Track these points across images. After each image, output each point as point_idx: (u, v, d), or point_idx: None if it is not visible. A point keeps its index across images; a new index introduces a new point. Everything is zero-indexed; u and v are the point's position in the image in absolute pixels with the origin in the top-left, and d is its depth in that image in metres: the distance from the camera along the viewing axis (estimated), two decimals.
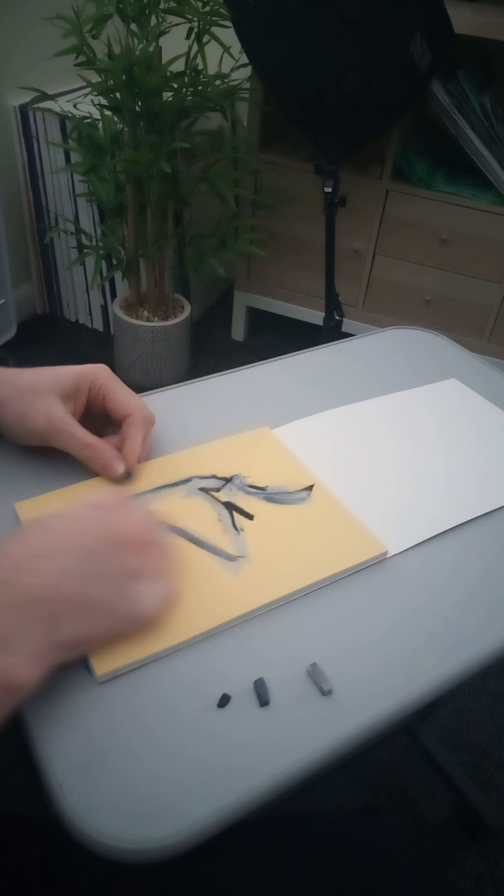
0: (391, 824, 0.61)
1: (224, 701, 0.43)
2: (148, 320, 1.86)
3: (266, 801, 0.39)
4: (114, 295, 2.12)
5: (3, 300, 1.94)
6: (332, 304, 1.80)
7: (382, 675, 0.46)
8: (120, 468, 0.58)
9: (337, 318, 1.82)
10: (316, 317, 2.01)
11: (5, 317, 1.98)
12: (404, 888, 0.56)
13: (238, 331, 2.26)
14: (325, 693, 0.44)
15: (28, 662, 0.40)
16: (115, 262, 1.82)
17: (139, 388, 0.64)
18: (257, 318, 2.27)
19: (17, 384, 0.58)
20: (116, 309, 1.88)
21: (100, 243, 1.82)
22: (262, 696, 0.43)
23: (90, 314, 2.22)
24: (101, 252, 1.76)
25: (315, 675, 0.44)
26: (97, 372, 0.60)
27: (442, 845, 1.13)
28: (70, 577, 0.43)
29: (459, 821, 1.16)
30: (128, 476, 0.59)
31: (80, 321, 2.25)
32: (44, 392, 0.57)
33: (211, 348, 2.23)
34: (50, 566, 0.43)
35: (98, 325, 2.23)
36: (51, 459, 0.59)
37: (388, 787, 1.20)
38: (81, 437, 0.57)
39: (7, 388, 0.58)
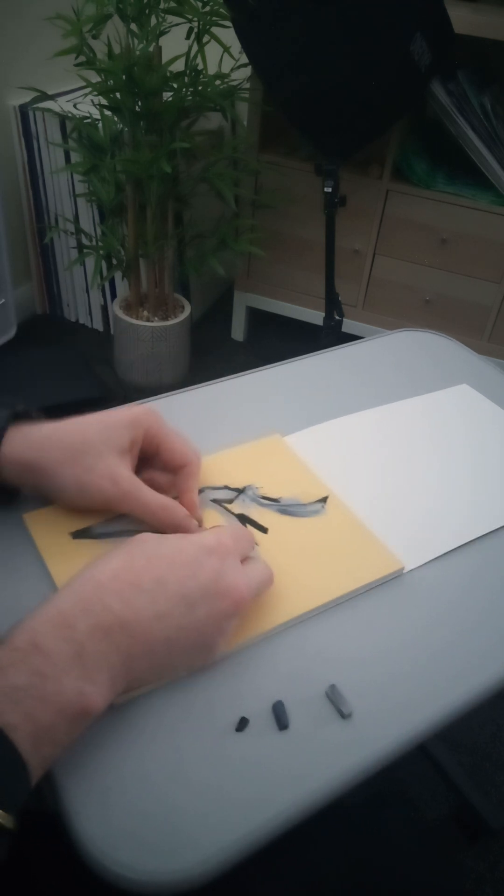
0: (395, 816, 0.61)
1: (242, 725, 0.42)
2: (148, 320, 1.86)
3: (286, 829, 0.38)
4: (114, 295, 2.12)
5: (3, 300, 1.94)
6: (332, 304, 1.80)
7: (403, 695, 0.45)
8: (195, 528, 0.53)
9: (337, 318, 1.82)
10: (316, 317, 2.01)
11: (5, 317, 1.98)
12: (411, 875, 0.56)
13: (238, 331, 2.26)
14: (345, 716, 0.43)
15: (103, 692, 0.39)
16: (115, 262, 1.81)
17: (139, 389, 0.63)
18: (257, 318, 2.26)
19: (67, 445, 0.52)
20: (116, 309, 1.88)
21: (100, 243, 1.81)
22: (280, 719, 0.42)
23: (90, 314, 2.21)
24: (101, 252, 1.76)
25: (334, 698, 0.44)
26: (149, 420, 0.55)
27: (442, 845, 1.14)
28: (165, 621, 0.42)
29: (459, 821, 1.17)
30: None
31: (80, 321, 2.25)
32: (100, 453, 0.52)
33: (211, 348, 2.23)
34: (149, 604, 0.42)
35: (98, 325, 2.22)
36: None
37: (388, 787, 1.20)
38: (151, 502, 0.53)
39: (57, 453, 0.52)
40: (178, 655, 0.43)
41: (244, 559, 0.48)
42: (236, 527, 0.54)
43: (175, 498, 0.55)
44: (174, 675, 0.45)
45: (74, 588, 0.42)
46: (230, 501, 0.59)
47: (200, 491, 0.59)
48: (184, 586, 0.43)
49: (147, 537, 0.46)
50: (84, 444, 0.52)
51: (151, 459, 0.58)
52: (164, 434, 0.56)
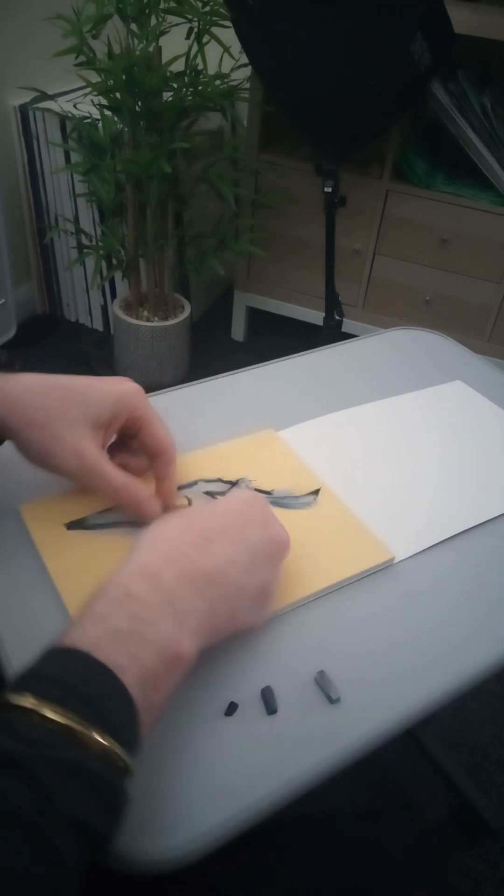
0: (393, 827, 0.61)
1: (231, 709, 0.43)
2: (148, 320, 1.86)
3: (274, 811, 0.38)
4: (114, 295, 2.12)
5: (3, 300, 1.94)
6: (332, 304, 1.80)
7: (390, 682, 0.46)
8: (157, 509, 0.54)
9: (337, 318, 1.82)
10: (316, 317, 2.01)
11: (5, 317, 1.98)
12: (406, 891, 0.56)
13: (238, 331, 2.26)
14: (333, 701, 0.43)
15: (193, 639, 0.41)
16: (115, 262, 1.82)
17: None
18: (257, 318, 2.26)
19: (40, 407, 0.51)
20: (116, 309, 1.88)
21: (100, 243, 1.81)
22: (269, 704, 0.43)
23: (90, 314, 2.22)
24: (101, 252, 1.76)
25: (323, 683, 0.44)
26: (136, 400, 0.54)
27: (442, 845, 1.14)
28: (236, 567, 0.44)
29: (459, 821, 1.16)
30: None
31: (80, 321, 2.25)
32: (74, 423, 0.51)
33: (211, 348, 2.23)
34: (222, 550, 0.44)
35: (98, 325, 2.22)
36: None
37: (388, 787, 1.20)
38: (114, 479, 0.53)
39: (28, 412, 0.51)
40: (247, 603, 0.45)
41: None
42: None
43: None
44: (241, 627, 0.47)
45: (150, 545, 0.43)
46: (223, 493, 0.59)
47: (194, 483, 0.60)
48: (243, 533, 0.46)
49: (215, 502, 0.49)
50: (58, 410, 0.51)
51: (129, 441, 0.57)
52: (147, 418, 0.55)
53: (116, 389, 0.54)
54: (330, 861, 0.55)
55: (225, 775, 0.40)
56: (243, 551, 0.45)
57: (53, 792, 0.31)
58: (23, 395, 0.51)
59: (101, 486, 0.53)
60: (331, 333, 1.81)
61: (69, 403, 0.52)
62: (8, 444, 0.60)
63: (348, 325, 2.01)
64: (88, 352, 2.14)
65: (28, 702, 0.33)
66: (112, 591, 0.40)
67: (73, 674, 0.35)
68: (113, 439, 0.57)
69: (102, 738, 0.33)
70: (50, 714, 0.33)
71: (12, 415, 0.51)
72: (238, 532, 0.46)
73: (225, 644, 0.47)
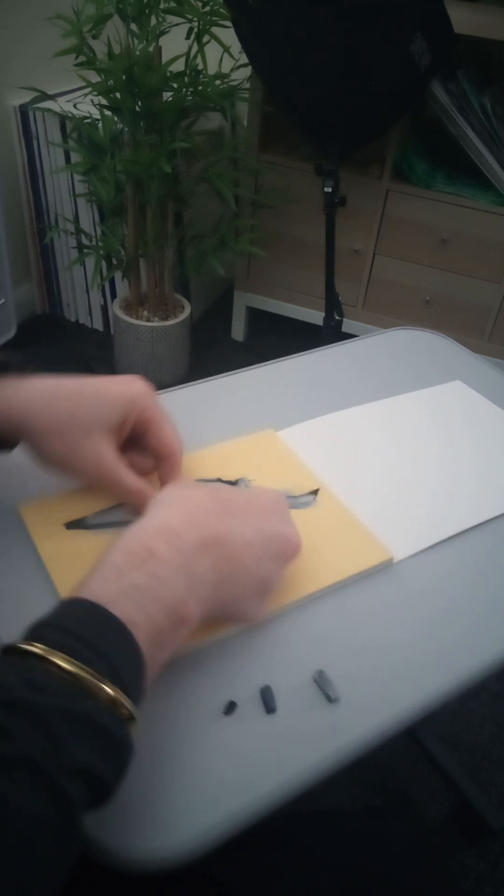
0: (393, 825, 0.61)
1: (230, 708, 0.43)
2: (148, 320, 1.86)
3: (273, 810, 0.38)
4: (114, 295, 2.12)
5: (3, 300, 1.94)
6: (332, 304, 1.80)
7: (389, 681, 0.46)
8: None
9: (337, 318, 1.82)
10: (316, 317, 2.01)
11: (5, 317, 1.98)
12: (407, 888, 0.56)
13: (238, 331, 2.26)
14: (332, 700, 0.43)
15: (198, 606, 0.41)
16: (115, 262, 1.82)
17: None
18: (257, 318, 2.26)
19: (57, 416, 0.52)
20: (116, 309, 1.88)
21: (100, 243, 1.81)
22: (268, 703, 0.43)
23: (90, 314, 2.22)
24: (101, 252, 1.76)
25: (322, 683, 0.44)
26: (145, 402, 0.54)
27: (442, 845, 1.14)
28: (250, 549, 0.45)
29: (459, 821, 1.16)
30: None
31: (80, 321, 2.25)
32: (90, 430, 0.52)
33: (211, 348, 2.23)
34: (240, 529, 0.45)
35: (98, 325, 2.22)
36: None
37: (388, 787, 1.20)
38: (129, 485, 0.53)
39: (45, 421, 0.51)
40: (249, 591, 0.46)
41: None
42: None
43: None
44: (237, 614, 0.47)
45: (174, 504, 0.44)
46: None
47: None
48: (263, 523, 0.47)
49: (236, 490, 0.50)
50: (74, 417, 0.52)
51: (138, 440, 0.57)
52: (155, 419, 0.55)
53: (127, 392, 0.54)
54: (330, 859, 0.55)
55: (224, 774, 0.40)
56: (259, 537, 0.46)
57: (63, 739, 0.32)
58: (37, 402, 0.52)
59: (116, 491, 0.54)
60: (331, 333, 1.81)
61: (84, 409, 0.52)
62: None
63: (348, 325, 2.01)
64: (88, 352, 2.14)
65: (42, 650, 0.34)
66: (133, 546, 0.41)
67: (88, 626, 0.36)
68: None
69: (111, 689, 0.34)
70: (63, 664, 0.34)
71: (26, 422, 0.52)
72: (258, 517, 0.47)
73: (224, 643, 0.47)
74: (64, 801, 0.31)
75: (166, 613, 0.39)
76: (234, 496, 0.48)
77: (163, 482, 0.57)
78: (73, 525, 0.55)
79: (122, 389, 0.54)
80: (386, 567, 0.55)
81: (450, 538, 0.57)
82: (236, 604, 0.46)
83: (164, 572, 0.40)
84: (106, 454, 0.52)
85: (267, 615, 0.49)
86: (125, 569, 0.40)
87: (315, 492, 0.60)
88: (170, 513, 0.43)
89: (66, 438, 0.52)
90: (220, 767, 0.40)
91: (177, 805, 0.39)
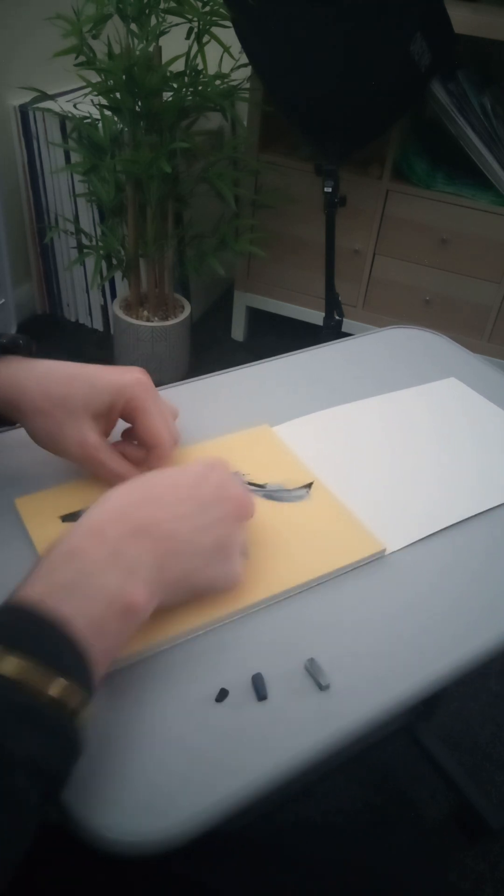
0: (393, 827, 0.61)
1: (222, 695, 0.43)
2: (148, 320, 1.86)
3: (263, 794, 0.39)
4: (114, 295, 2.12)
5: (3, 300, 1.94)
6: (332, 304, 1.80)
7: (380, 670, 0.46)
8: None
9: (337, 318, 1.82)
10: (316, 317, 2.01)
11: (5, 317, 1.98)
12: (407, 889, 0.56)
13: (238, 331, 2.26)
14: (323, 688, 0.44)
15: (146, 589, 0.42)
16: (115, 262, 1.82)
17: None
18: (257, 318, 2.27)
19: (50, 395, 0.54)
20: (116, 309, 1.88)
21: (100, 243, 1.82)
22: (259, 690, 0.43)
23: (90, 314, 2.22)
24: (101, 252, 1.76)
25: (313, 670, 0.44)
26: (133, 392, 0.55)
27: (442, 845, 1.13)
28: (185, 522, 0.46)
29: (459, 821, 1.16)
30: None
31: (80, 321, 2.26)
32: (76, 412, 0.54)
33: (211, 348, 2.23)
34: (169, 507, 0.46)
35: (98, 325, 2.23)
36: (51, 456, 0.58)
37: (388, 787, 1.20)
38: (114, 468, 0.55)
39: (37, 400, 0.54)
40: (202, 560, 0.46)
41: None
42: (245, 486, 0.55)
43: None
44: (203, 584, 0.47)
45: (100, 506, 0.45)
46: None
47: None
48: (195, 490, 0.47)
49: (168, 468, 0.51)
50: (64, 399, 0.54)
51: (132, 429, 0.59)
52: (143, 409, 0.56)
53: (117, 380, 0.55)
54: (329, 861, 0.55)
55: (215, 760, 0.40)
56: (194, 508, 0.46)
57: (1, 734, 0.33)
58: (32, 382, 0.54)
59: (100, 473, 0.56)
60: (331, 333, 1.81)
61: (73, 392, 0.54)
62: (3, 435, 0.61)
63: (348, 325, 2.01)
64: (88, 352, 2.14)
65: None
66: (57, 550, 0.42)
67: (22, 624, 0.37)
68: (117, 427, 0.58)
69: (53, 683, 0.35)
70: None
71: (22, 401, 0.54)
72: (188, 489, 0.47)
73: (216, 631, 0.48)
74: (7, 794, 0.32)
75: (103, 604, 0.40)
76: (161, 478, 0.48)
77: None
78: (70, 518, 0.55)
79: (114, 377, 0.55)
80: (379, 558, 0.55)
81: (442, 530, 0.58)
82: (199, 575, 0.46)
83: (90, 566, 0.41)
84: (88, 436, 0.54)
85: (243, 575, 0.49)
86: (51, 570, 0.41)
87: (309, 485, 0.60)
88: (93, 513, 0.44)
89: (52, 418, 0.54)
90: (211, 753, 0.41)
91: (169, 790, 0.39)
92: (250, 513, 0.50)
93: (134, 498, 0.46)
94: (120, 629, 0.41)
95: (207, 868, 0.52)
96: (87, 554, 0.42)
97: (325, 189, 1.65)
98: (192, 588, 0.47)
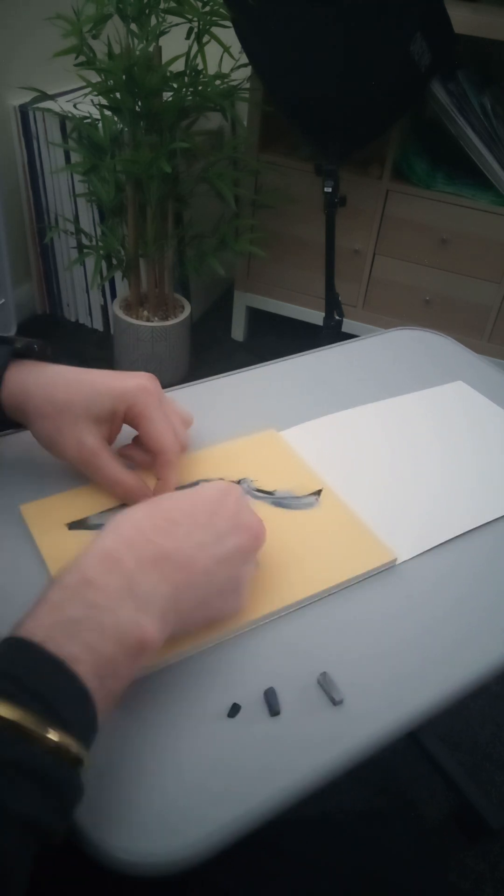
0: (393, 825, 0.61)
1: (234, 711, 0.42)
2: (148, 320, 1.86)
3: (276, 813, 0.38)
4: (114, 295, 2.12)
5: (3, 300, 1.94)
6: (332, 304, 1.80)
7: (393, 684, 0.45)
8: None
9: (337, 318, 1.81)
10: (316, 317, 2.01)
11: (5, 317, 1.98)
12: (407, 889, 0.56)
13: (238, 331, 2.26)
14: (336, 703, 0.43)
15: (157, 625, 0.40)
16: (115, 262, 1.82)
17: None
18: (257, 318, 2.26)
19: (53, 400, 0.54)
20: (116, 309, 1.88)
21: (100, 243, 1.81)
22: (272, 705, 0.42)
23: (90, 314, 2.21)
24: (101, 252, 1.76)
25: (326, 685, 0.44)
26: (136, 398, 0.55)
27: (442, 845, 1.14)
28: (204, 552, 0.44)
29: (459, 821, 1.16)
30: None
31: (80, 321, 2.25)
32: (78, 416, 0.54)
33: (211, 348, 2.23)
34: (189, 534, 0.44)
35: (98, 325, 2.22)
36: (56, 462, 0.58)
37: (388, 787, 1.20)
38: (110, 473, 0.55)
39: (40, 404, 0.54)
40: (215, 590, 0.45)
41: None
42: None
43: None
44: (211, 615, 0.46)
45: (114, 530, 0.43)
46: None
47: (195, 483, 0.60)
48: (212, 518, 0.46)
49: (182, 490, 0.49)
50: (66, 404, 0.54)
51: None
52: (146, 415, 0.56)
53: (119, 385, 0.55)
54: (330, 861, 0.55)
55: (228, 777, 0.40)
56: (211, 537, 0.45)
57: None
58: (38, 386, 0.54)
59: (98, 478, 0.56)
60: (331, 333, 1.81)
61: (76, 398, 0.54)
62: (8, 441, 0.61)
63: (348, 325, 2.01)
64: (88, 352, 2.14)
65: None
66: (68, 578, 0.39)
67: (23, 667, 0.35)
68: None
69: (53, 733, 0.33)
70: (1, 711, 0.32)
71: (28, 405, 0.54)
72: (207, 517, 0.46)
73: (227, 645, 0.47)
74: None
75: (115, 641, 0.38)
76: (177, 502, 0.47)
77: (158, 478, 0.57)
78: (76, 525, 0.55)
79: (117, 383, 0.55)
80: (389, 568, 0.54)
81: (453, 539, 0.57)
82: (210, 605, 0.45)
83: (104, 599, 0.38)
84: (86, 440, 0.54)
85: (245, 606, 0.48)
86: (62, 602, 0.38)
87: (318, 492, 0.60)
88: (107, 539, 0.42)
89: (53, 422, 0.54)
90: (224, 770, 0.40)
91: (181, 808, 0.38)
92: (262, 543, 0.49)
93: (149, 523, 0.44)
94: (129, 667, 0.39)
95: (207, 866, 0.52)
96: (100, 585, 0.39)
97: (325, 189, 1.64)
98: (203, 619, 0.46)
